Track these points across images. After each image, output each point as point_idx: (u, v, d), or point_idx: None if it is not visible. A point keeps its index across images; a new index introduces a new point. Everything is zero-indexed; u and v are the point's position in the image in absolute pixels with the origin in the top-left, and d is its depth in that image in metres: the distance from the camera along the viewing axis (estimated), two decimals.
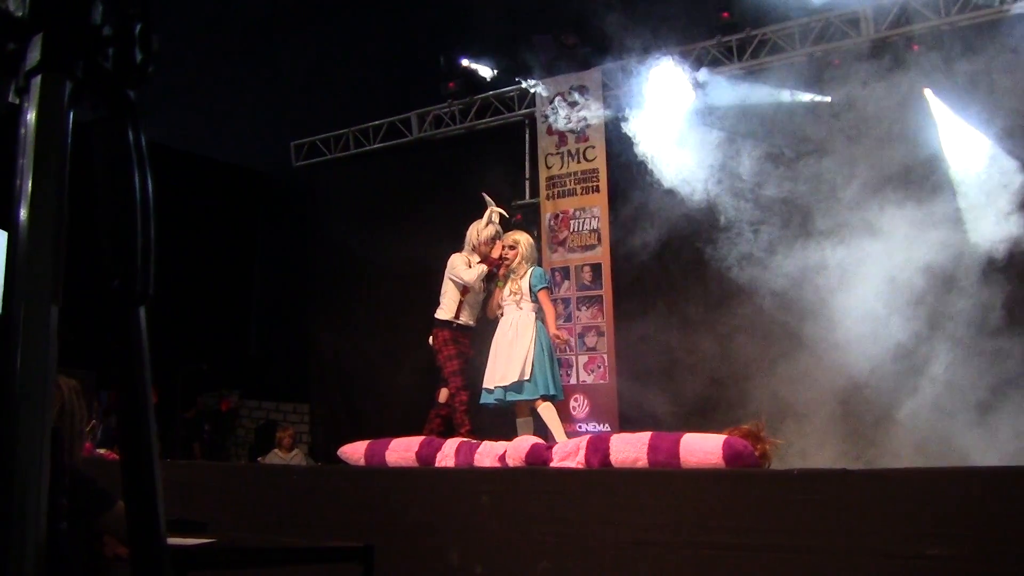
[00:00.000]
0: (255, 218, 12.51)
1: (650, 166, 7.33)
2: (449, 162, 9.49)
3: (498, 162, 8.78)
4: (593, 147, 8.29)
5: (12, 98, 0.82)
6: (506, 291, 6.42)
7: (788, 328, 6.59)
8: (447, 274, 6.64)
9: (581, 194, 8.31)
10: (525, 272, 6.43)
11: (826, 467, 4.83)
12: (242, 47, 9.09)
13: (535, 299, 6.36)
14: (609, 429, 7.41)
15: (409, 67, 9.45)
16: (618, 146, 7.80)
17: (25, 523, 0.70)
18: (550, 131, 8.54)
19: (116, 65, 0.85)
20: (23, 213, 0.76)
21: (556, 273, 8.19)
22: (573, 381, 7.96)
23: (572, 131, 8.39)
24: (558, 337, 6.38)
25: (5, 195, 0.78)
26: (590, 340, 8.04)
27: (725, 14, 7.93)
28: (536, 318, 6.32)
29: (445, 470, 4.83)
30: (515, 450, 4.68)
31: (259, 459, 9.60)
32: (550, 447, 4.67)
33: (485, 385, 6.30)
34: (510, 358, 6.19)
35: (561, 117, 8.38)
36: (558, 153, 8.48)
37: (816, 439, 6.17)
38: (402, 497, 4.41)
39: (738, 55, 7.98)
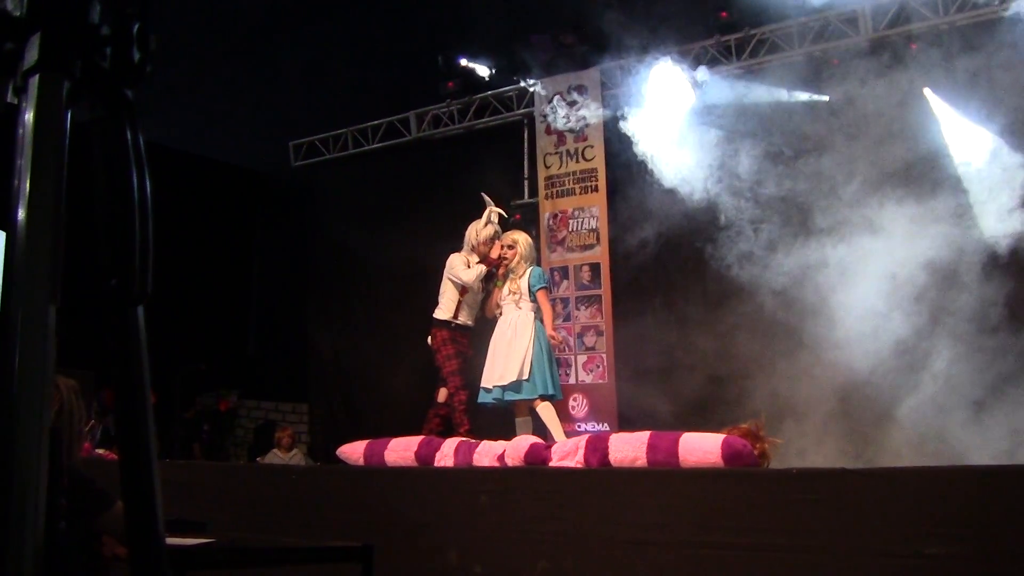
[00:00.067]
0: (254, 218, 12.51)
1: (649, 165, 7.33)
2: (448, 162, 9.49)
3: (497, 162, 8.79)
4: (592, 147, 8.29)
5: (10, 98, 0.82)
6: (505, 291, 6.43)
7: (787, 327, 6.59)
8: (446, 274, 6.64)
9: (580, 194, 8.31)
10: (524, 272, 6.43)
11: (825, 466, 4.83)
12: (240, 47, 9.08)
13: (534, 299, 6.37)
14: (608, 429, 7.41)
15: (408, 67, 9.44)
16: (617, 145, 7.80)
17: (24, 523, 0.69)
18: (549, 131, 8.54)
19: (114, 65, 0.85)
20: (21, 213, 0.76)
21: (555, 273, 8.19)
22: (572, 381, 7.95)
23: (571, 131, 8.39)
24: (554, 338, 6.38)
25: (3, 195, 0.78)
26: (589, 340, 8.04)
27: (724, 13, 7.94)
28: (535, 318, 6.33)
29: (444, 470, 4.82)
30: (514, 450, 4.68)
31: (258, 459, 9.59)
32: (549, 447, 4.67)
33: (483, 384, 6.30)
34: (509, 358, 6.20)
35: (560, 117, 8.38)
36: (557, 153, 8.48)
37: (815, 438, 6.17)
38: (401, 497, 4.41)
39: (737, 54, 7.99)
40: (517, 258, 6.48)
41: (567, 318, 8.09)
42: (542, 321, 6.34)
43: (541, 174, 8.57)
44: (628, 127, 7.59)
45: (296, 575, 3.53)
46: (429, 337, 6.65)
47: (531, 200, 8.65)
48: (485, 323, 6.63)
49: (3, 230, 0.77)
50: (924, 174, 6.51)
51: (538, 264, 6.90)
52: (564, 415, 7.25)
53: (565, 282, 8.22)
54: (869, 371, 6.17)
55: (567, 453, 4.44)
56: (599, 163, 8.22)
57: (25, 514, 0.70)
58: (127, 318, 0.83)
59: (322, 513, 4.59)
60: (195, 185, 10.87)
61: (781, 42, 7.79)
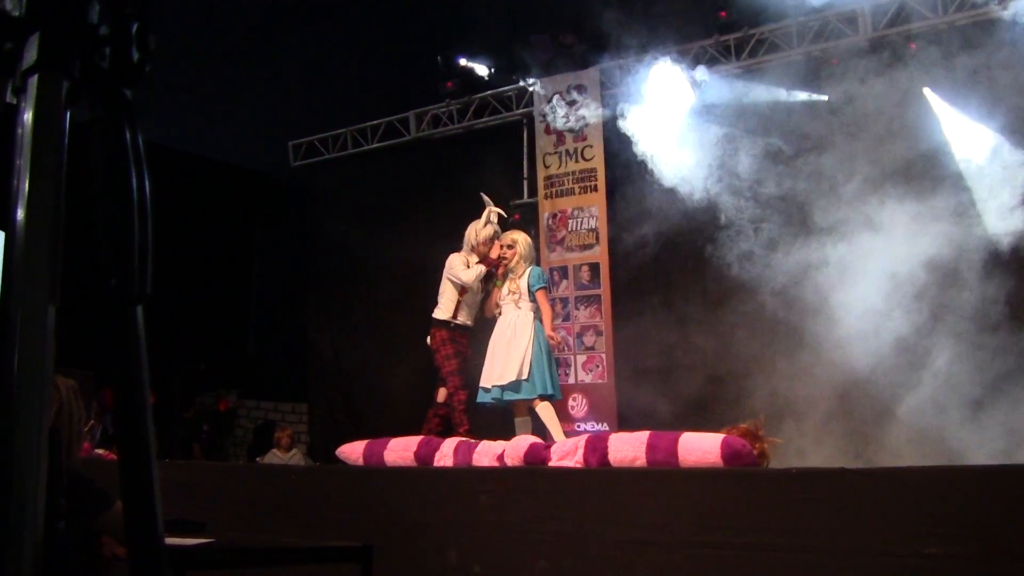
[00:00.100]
0: (253, 218, 12.52)
1: (648, 165, 7.33)
2: (447, 161, 9.49)
3: (496, 161, 8.78)
4: (591, 146, 8.29)
5: (9, 98, 0.82)
6: (504, 290, 6.43)
7: (787, 326, 6.59)
8: (445, 274, 6.64)
9: (579, 193, 8.31)
10: (523, 271, 6.43)
11: (825, 466, 4.83)
12: (240, 47, 9.08)
13: (533, 299, 6.37)
14: (607, 428, 7.41)
15: (407, 67, 9.43)
16: (616, 145, 7.80)
17: (23, 523, 0.69)
18: (548, 130, 8.54)
19: (113, 64, 0.85)
20: (20, 213, 0.76)
21: (554, 272, 8.19)
22: (571, 380, 7.95)
23: (570, 130, 8.39)
24: (553, 338, 6.37)
25: (2, 195, 0.78)
26: (588, 339, 8.04)
27: (723, 13, 7.93)
28: (534, 318, 6.33)
29: (443, 470, 4.83)
30: (513, 450, 4.68)
31: (257, 459, 9.60)
32: (548, 446, 4.67)
33: (482, 384, 6.31)
34: (508, 357, 6.20)
35: (559, 116, 8.38)
36: (556, 152, 8.48)
37: (815, 437, 6.17)
38: (400, 497, 4.41)
39: (736, 54, 7.98)
40: (516, 258, 6.48)
41: (566, 318, 8.09)
42: (541, 321, 6.34)
43: (540, 174, 8.57)
44: (627, 127, 7.58)
45: (295, 575, 3.53)
46: (428, 337, 6.65)
47: (530, 200, 8.65)
48: (484, 323, 6.63)
49: (2, 230, 0.77)
50: (924, 172, 6.51)
51: (537, 264, 6.90)
52: (563, 415, 7.25)
53: (564, 282, 8.21)
54: (869, 370, 6.17)
55: (566, 453, 4.44)
56: (598, 163, 8.21)
57: (24, 514, 0.70)
58: (126, 318, 0.83)
59: (321, 513, 4.59)
60: (195, 185, 10.88)
61: (780, 42, 7.79)
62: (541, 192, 8.53)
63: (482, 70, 9.08)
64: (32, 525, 0.70)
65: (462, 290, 6.56)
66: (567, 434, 6.11)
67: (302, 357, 10.67)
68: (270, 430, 10.28)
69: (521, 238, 6.62)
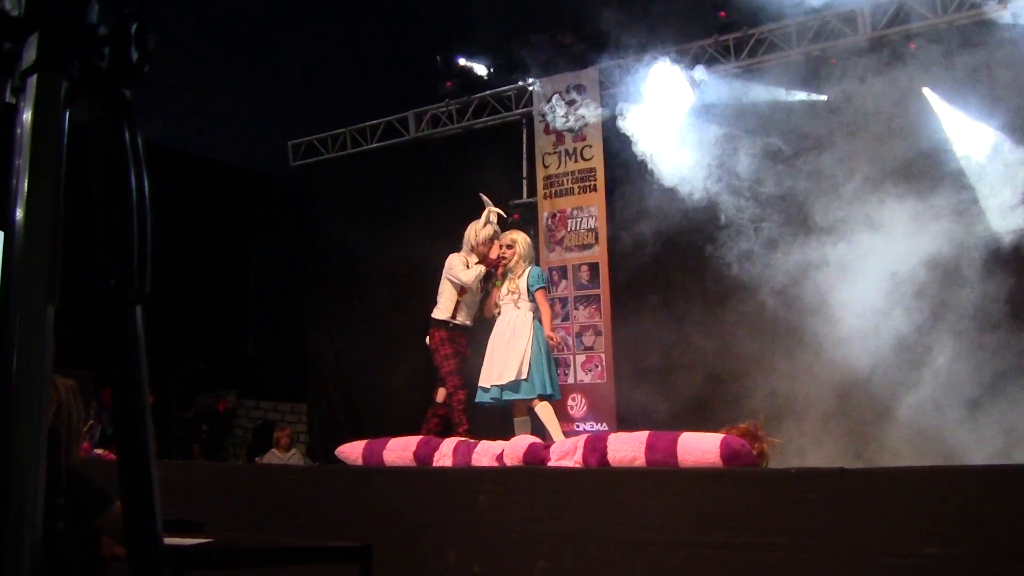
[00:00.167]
0: (252, 218, 12.50)
1: (648, 165, 7.33)
2: (446, 161, 9.49)
3: (495, 161, 8.79)
4: (590, 146, 8.28)
5: (8, 98, 0.82)
6: (503, 290, 6.43)
7: (787, 326, 6.59)
8: (445, 274, 6.64)
9: (578, 193, 8.30)
10: (523, 271, 6.43)
11: (824, 465, 4.83)
12: (239, 46, 9.07)
13: (532, 298, 6.37)
14: (607, 428, 7.41)
15: (406, 66, 9.43)
16: (616, 145, 7.80)
17: (22, 523, 0.69)
18: (547, 130, 8.54)
19: (112, 64, 0.85)
20: (19, 213, 0.76)
21: (553, 272, 8.18)
22: (571, 380, 7.95)
23: (569, 130, 8.38)
24: (552, 339, 6.37)
25: (1, 195, 0.78)
26: (588, 339, 8.04)
27: (722, 13, 7.93)
28: (534, 318, 6.33)
29: (443, 470, 4.82)
30: (513, 449, 4.69)
31: (257, 459, 9.60)
32: (548, 446, 4.67)
33: (481, 384, 6.31)
34: (507, 357, 6.20)
35: (558, 116, 8.37)
36: (555, 152, 8.48)
37: (815, 437, 6.17)
38: (400, 497, 4.41)
39: (735, 54, 7.98)
40: (516, 258, 6.48)
41: (566, 318, 8.08)
42: (541, 321, 6.34)
43: (540, 173, 8.57)
44: (627, 126, 7.58)
45: (294, 575, 3.53)
46: (427, 337, 6.65)
47: (530, 200, 8.65)
48: (483, 323, 6.63)
49: (1, 229, 0.77)
50: (924, 171, 6.51)
51: (537, 264, 6.90)
52: (563, 415, 7.25)
53: (564, 282, 8.21)
54: (869, 370, 6.17)
55: (566, 453, 4.44)
56: (598, 163, 8.21)
57: (23, 514, 0.70)
58: (125, 318, 0.83)
59: (321, 513, 4.59)
60: (194, 185, 10.86)
61: (780, 41, 7.79)
62: (540, 192, 8.52)
63: (481, 70, 9.08)
64: (31, 525, 0.70)
65: (461, 290, 6.56)
66: (566, 434, 6.11)
67: (301, 357, 10.67)
68: (269, 430, 10.29)
69: (520, 238, 6.61)
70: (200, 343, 10.60)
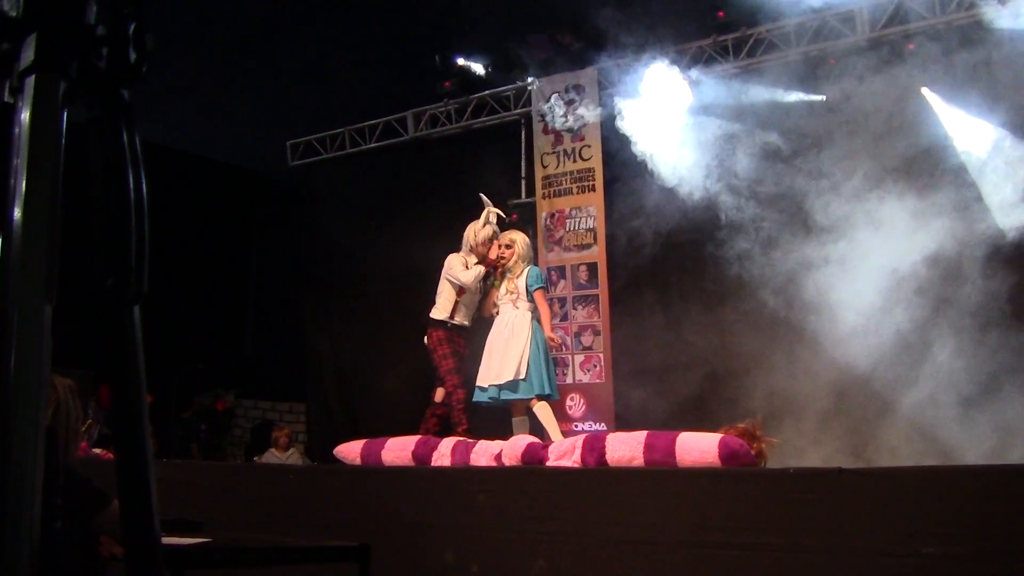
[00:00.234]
0: (251, 217, 12.51)
1: (647, 164, 7.33)
2: (445, 161, 9.48)
3: (494, 161, 8.78)
4: (589, 146, 8.28)
5: (7, 98, 0.82)
6: (502, 290, 6.43)
7: (787, 325, 6.59)
8: (444, 274, 6.64)
9: (577, 193, 8.30)
10: (521, 271, 6.43)
11: (823, 465, 4.83)
12: (238, 46, 9.07)
13: (531, 298, 6.36)
14: (605, 428, 7.41)
15: (405, 66, 9.42)
16: (614, 145, 7.79)
17: (19, 523, 0.69)
18: (546, 130, 8.54)
19: (110, 65, 0.85)
20: (17, 212, 0.76)
21: (552, 272, 8.18)
22: (569, 380, 7.95)
23: (568, 130, 8.38)
24: (552, 340, 6.37)
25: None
26: (586, 339, 8.04)
27: (720, 13, 7.93)
28: (532, 318, 6.33)
29: (441, 469, 4.83)
30: (511, 449, 4.69)
31: (255, 458, 9.60)
32: (546, 446, 4.67)
33: (479, 383, 6.30)
34: (505, 357, 6.20)
35: (557, 116, 8.37)
36: (554, 152, 8.47)
37: (813, 436, 6.17)
38: (398, 496, 4.41)
39: (734, 54, 7.98)
40: (515, 258, 6.48)
41: (564, 317, 8.08)
42: (539, 321, 6.34)
43: (538, 173, 8.56)
44: (625, 126, 7.58)
45: (293, 575, 3.53)
46: (425, 337, 6.65)
47: (528, 200, 8.64)
48: (482, 322, 6.63)
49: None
50: (925, 168, 6.50)
51: (535, 264, 6.90)
52: (561, 415, 7.25)
53: (562, 282, 8.21)
54: (869, 369, 6.17)
55: (564, 453, 4.44)
56: (596, 162, 8.21)
57: (21, 513, 0.70)
58: (123, 318, 0.83)
59: (319, 513, 4.59)
60: (192, 184, 10.87)
61: (778, 41, 7.79)
62: (539, 192, 8.52)
63: (480, 70, 9.08)
64: (29, 524, 0.70)
65: (460, 290, 6.56)
66: (565, 434, 6.11)
67: (300, 357, 10.67)
68: (268, 430, 10.29)
69: (519, 238, 6.61)
70: (198, 343, 10.61)
